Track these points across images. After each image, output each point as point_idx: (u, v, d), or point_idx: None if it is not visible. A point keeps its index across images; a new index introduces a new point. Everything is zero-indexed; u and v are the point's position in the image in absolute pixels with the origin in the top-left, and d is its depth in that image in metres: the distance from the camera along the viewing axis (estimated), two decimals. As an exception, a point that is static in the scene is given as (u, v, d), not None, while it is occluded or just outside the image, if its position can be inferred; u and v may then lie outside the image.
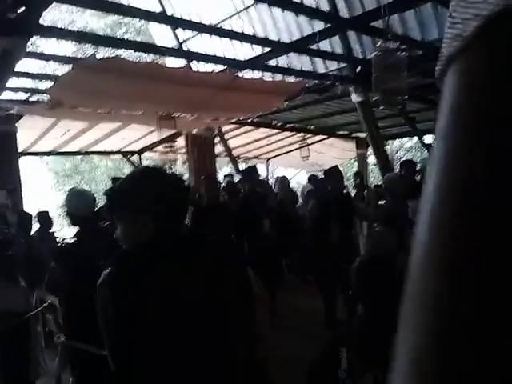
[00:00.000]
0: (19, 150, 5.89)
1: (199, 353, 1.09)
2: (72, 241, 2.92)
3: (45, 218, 5.39)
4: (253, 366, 1.16)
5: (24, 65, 4.10)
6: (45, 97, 4.53)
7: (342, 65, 5.71)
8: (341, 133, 10.03)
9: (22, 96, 5.08)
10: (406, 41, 4.71)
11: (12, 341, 3.00)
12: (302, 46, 4.96)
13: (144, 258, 1.19)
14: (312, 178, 6.62)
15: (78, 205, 2.79)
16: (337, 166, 4.65)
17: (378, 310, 1.40)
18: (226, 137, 8.21)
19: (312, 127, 9.22)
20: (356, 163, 10.78)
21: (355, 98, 5.27)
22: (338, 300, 4.31)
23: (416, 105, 6.85)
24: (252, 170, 5.26)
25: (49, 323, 3.73)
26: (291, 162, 11.13)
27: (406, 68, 3.41)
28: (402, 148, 15.13)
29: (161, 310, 1.10)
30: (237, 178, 6.96)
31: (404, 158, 15.67)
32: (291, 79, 5.32)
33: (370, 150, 10.63)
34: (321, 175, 6.87)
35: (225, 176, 7.51)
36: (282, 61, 5.86)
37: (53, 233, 5.61)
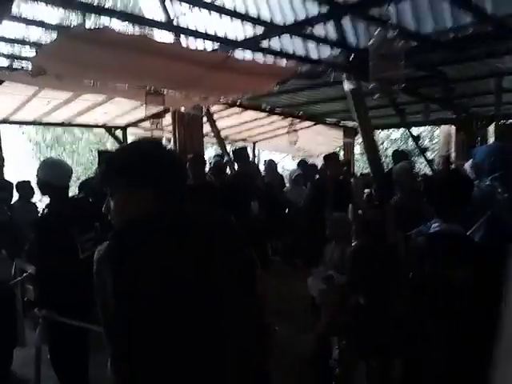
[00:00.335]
0: (-1, 118, 5.68)
1: (192, 331, 1.06)
2: (46, 211, 2.86)
3: (25, 187, 5.26)
4: (250, 353, 1.13)
5: (6, 30, 3.91)
6: (27, 64, 4.34)
7: (335, 52, 5.63)
8: (329, 120, 10.00)
9: (3, 62, 4.88)
10: (402, 31, 4.65)
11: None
12: (297, 28, 4.86)
13: (143, 232, 1.15)
14: (302, 163, 6.59)
15: (52, 175, 2.72)
16: (335, 153, 4.72)
17: (372, 297, 1.39)
18: (214, 117, 8.08)
19: (300, 113, 9.15)
20: (342, 152, 10.79)
21: (347, 85, 5.21)
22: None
23: (406, 97, 6.84)
24: (242, 150, 5.20)
25: (28, 293, 3.69)
26: (278, 146, 11.09)
27: (403, 58, 3.37)
28: (388, 139, 15.21)
29: (159, 285, 1.07)
30: (225, 160, 6.90)
31: (390, 149, 15.78)
32: (283, 63, 5.23)
33: (357, 140, 10.70)
34: (310, 161, 6.87)
35: (214, 156, 7.40)
36: (275, 43, 5.74)
37: (34, 203, 5.49)
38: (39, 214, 3.59)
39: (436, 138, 12.64)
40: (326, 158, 4.52)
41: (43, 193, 2.79)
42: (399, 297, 1.37)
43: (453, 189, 1.76)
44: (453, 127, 8.28)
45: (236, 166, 5.09)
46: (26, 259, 3.47)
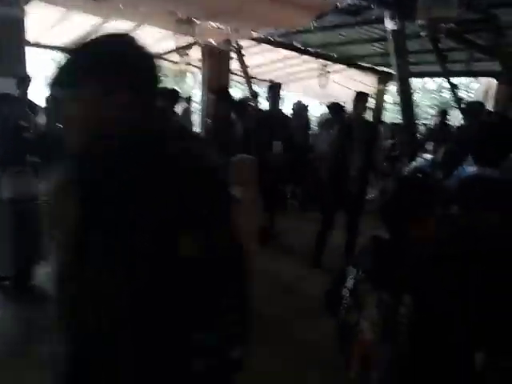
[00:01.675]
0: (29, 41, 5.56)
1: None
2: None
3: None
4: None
5: None
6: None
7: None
8: (363, 64, 9.54)
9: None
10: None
11: (25, 222, 3.10)
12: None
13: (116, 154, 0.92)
14: (332, 107, 6.31)
15: None
16: (367, 93, 4.36)
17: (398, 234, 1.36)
18: (243, 53, 7.79)
19: (334, 55, 8.73)
20: (374, 99, 10.39)
21: (390, 24, 4.87)
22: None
23: (449, 43, 6.40)
24: (276, 87, 5.00)
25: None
26: (306, 90, 10.72)
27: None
28: (422, 88, 14.51)
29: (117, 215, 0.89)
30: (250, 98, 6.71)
31: (425, 100, 15.13)
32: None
33: (389, 87, 10.24)
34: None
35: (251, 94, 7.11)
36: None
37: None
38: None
39: (472, 91, 12.02)
40: (358, 94, 4.17)
41: None
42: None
43: (493, 135, 1.71)
44: (494, 80, 7.80)
45: (267, 104, 4.92)
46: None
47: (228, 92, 4.87)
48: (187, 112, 6.52)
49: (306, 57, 8.72)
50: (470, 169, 1.73)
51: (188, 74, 9.78)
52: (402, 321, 1.25)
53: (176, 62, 7.92)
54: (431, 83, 13.50)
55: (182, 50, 6.92)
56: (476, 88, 10.30)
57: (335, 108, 6.26)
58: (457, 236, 1.39)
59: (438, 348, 1.24)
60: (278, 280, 3.88)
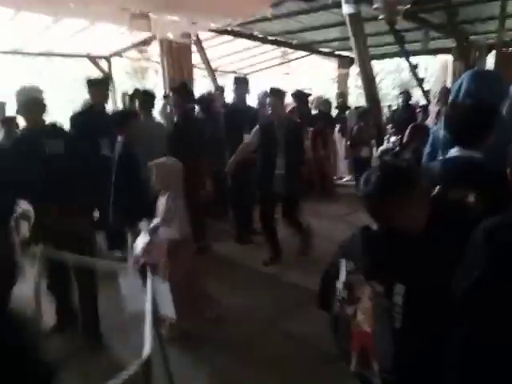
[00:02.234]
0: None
1: None
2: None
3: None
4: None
5: None
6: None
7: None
8: (324, 50, 9.60)
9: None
10: None
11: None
12: None
13: None
14: (297, 94, 6.23)
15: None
16: (281, 90, 4.00)
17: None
18: (203, 46, 7.67)
19: (294, 42, 8.74)
20: (336, 84, 10.48)
21: (346, 9, 4.90)
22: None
23: (405, 23, 6.50)
24: (242, 81, 4.89)
25: (22, 229, 3.65)
26: (270, 79, 10.71)
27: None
28: (383, 71, 14.76)
29: None
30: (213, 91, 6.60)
31: (385, 81, 15.37)
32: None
33: (351, 71, 10.35)
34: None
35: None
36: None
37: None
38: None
39: (431, 68, 12.29)
40: (272, 91, 3.90)
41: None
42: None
43: (472, 115, 1.69)
44: (450, 57, 8.00)
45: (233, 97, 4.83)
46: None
47: (187, 88, 4.73)
48: (165, 108, 6.31)
49: (267, 46, 8.69)
50: (453, 150, 1.73)
51: (148, 70, 9.58)
52: (396, 310, 1.25)
53: (136, 59, 7.75)
54: (391, 64, 13.73)
55: (140, 47, 6.76)
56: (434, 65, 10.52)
57: (299, 95, 6.27)
58: (440, 216, 1.37)
59: (433, 331, 1.25)
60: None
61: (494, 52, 6.49)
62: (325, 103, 7.40)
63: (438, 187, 1.57)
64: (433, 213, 1.29)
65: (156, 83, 10.82)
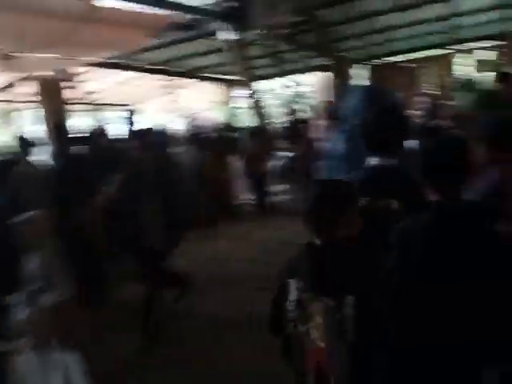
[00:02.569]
0: None
1: None
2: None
3: None
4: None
5: None
6: None
7: (208, 1, 5.30)
8: (209, 75, 9.71)
9: None
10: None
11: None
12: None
13: None
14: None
15: None
16: (150, 129, 3.55)
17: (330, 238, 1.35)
18: (81, 79, 7.25)
19: (179, 70, 8.69)
20: (223, 107, 10.67)
21: (225, 35, 4.99)
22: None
23: (283, 45, 6.84)
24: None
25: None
26: (160, 107, 10.56)
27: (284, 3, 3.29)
28: (267, 90, 15.31)
29: None
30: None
31: (270, 100, 16.06)
32: (152, 11, 4.75)
33: (237, 93, 10.59)
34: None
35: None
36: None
37: None
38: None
39: (314, 85, 13.08)
40: (138, 132, 3.48)
41: None
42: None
43: (385, 124, 1.80)
44: (330, 73, 8.61)
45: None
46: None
47: (63, 127, 4.35)
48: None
49: (152, 75, 8.52)
50: (372, 160, 1.82)
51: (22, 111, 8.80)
52: (347, 322, 1.26)
53: (5, 100, 7.04)
54: (274, 84, 14.37)
55: (7, 88, 6.16)
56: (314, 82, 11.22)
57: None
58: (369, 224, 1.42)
59: (385, 338, 1.30)
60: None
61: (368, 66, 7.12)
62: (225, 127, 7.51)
63: (365, 197, 1.64)
64: (363, 221, 1.38)
65: (34, 123, 9.99)
